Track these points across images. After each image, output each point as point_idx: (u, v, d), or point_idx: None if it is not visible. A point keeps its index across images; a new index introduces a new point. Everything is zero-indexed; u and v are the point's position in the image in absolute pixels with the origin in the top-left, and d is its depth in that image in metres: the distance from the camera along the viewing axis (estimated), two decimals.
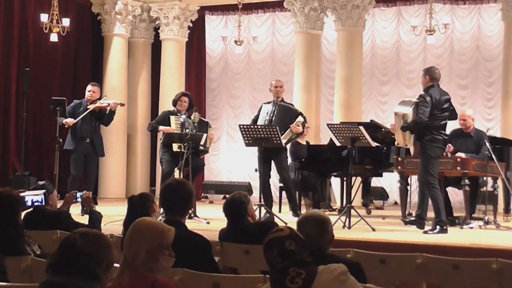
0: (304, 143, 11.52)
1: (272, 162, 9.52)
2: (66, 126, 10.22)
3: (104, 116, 10.44)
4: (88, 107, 10.35)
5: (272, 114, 9.43)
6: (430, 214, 8.45)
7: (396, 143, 8.66)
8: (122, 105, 10.76)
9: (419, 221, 8.35)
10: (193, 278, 4.06)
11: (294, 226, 3.59)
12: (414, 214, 8.67)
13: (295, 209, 9.49)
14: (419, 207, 8.44)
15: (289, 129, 9.39)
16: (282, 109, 9.52)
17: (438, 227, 8.11)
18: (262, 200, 9.17)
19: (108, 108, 10.36)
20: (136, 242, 3.12)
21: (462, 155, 9.05)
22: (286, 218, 8.99)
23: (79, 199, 6.43)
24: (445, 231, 8.06)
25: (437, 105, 8.12)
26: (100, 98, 10.64)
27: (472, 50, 14.41)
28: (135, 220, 3.24)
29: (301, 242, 3.17)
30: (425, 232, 8.07)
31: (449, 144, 9.07)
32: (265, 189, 9.36)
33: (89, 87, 10.62)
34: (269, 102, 9.67)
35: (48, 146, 13.54)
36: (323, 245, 3.77)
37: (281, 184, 11.09)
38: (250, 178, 14.79)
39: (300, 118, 9.48)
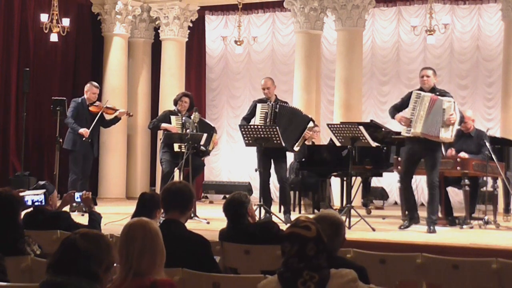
0: (311, 143, 11.36)
1: (272, 162, 9.45)
2: (84, 139, 10.25)
3: (107, 121, 10.61)
4: (90, 109, 10.45)
5: (272, 116, 9.31)
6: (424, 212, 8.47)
7: (452, 136, 8.18)
8: (130, 115, 10.86)
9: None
10: (193, 278, 4.06)
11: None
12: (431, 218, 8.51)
13: (286, 213, 9.26)
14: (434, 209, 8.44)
15: (302, 137, 9.34)
16: (288, 112, 9.37)
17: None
18: (262, 199, 9.15)
19: (114, 115, 10.49)
20: (155, 248, 3.12)
21: (466, 155, 9.05)
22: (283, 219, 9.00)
23: (78, 199, 6.44)
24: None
25: None
26: (99, 99, 10.76)
27: (472, 50, 14.42)
28: (133, 223, 3.23)
29: (322, 247, 3.11)
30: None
31: (452, 148, 9.09)
32: (264, 188, 9.32)
33: (94, 89, 10.68)
34: (263, 101, 9.45)
35: (48, 146, 13.55)
36: (334, 247, 3.78)
37: None
38: (250, 178, 14.79)
39: (311, 124, 9.41)
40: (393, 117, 8.47)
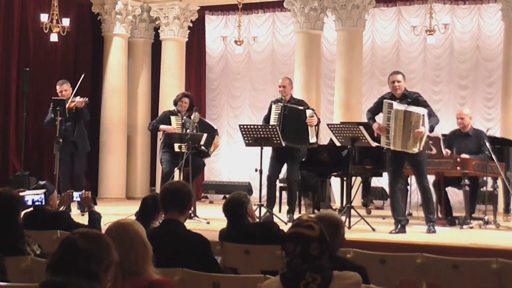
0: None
1: (285, 165, 9.48)
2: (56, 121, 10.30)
3: (79, 114, 10.54)
4: (66, 107, 10.46)
5: (282, 117, 9.29)
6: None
7: (420, 149, 8.00)
8: (86, 101, 10.65)
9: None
10: (193, 278, 4.06)
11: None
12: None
13: (289, 212, 9.32)
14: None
15: (308, 126, 9.30)
16: (290, 112, 9.35)
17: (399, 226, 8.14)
18: (265, 199, 9.15)
19: (75, 108, 10.44)
20: (135, 245, 3.13)
21: (466, 156, 9.03)
22: (286, 218, 9.00)
23: (77, 199, 6.43)
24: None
25: None
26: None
27: (472, 50, 14.41)
28: (109, 227, 3.25)
29: (325, 247, 3.08)
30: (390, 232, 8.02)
31: (447, 150, 9.10)
32: (270, 188, 9.34)
33: (58, 88, 10.72)
34: (278, 101, 9.53)
35: (48, 146, 13.53)
36: (333, 247, 3.77)
37: (282, 184, 11.08)
38: (250, 178, 14.79)
39: (309, 112, 9.39)
40: (371, 125, 8.36)
